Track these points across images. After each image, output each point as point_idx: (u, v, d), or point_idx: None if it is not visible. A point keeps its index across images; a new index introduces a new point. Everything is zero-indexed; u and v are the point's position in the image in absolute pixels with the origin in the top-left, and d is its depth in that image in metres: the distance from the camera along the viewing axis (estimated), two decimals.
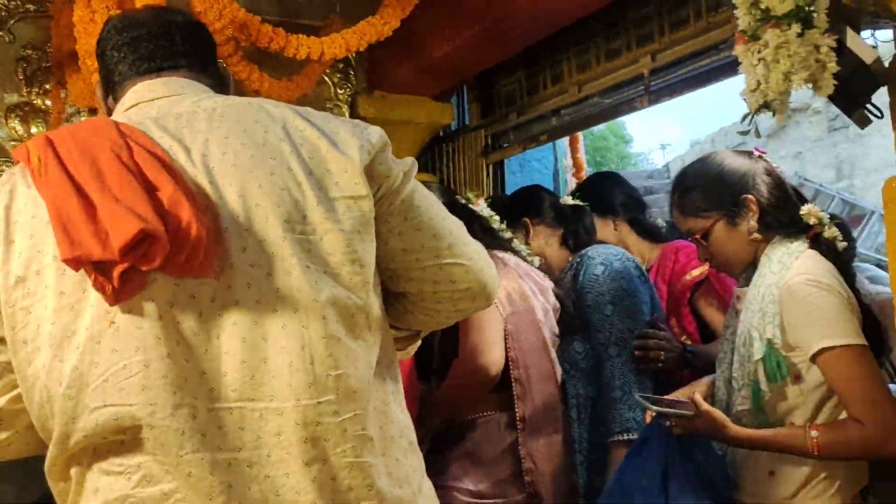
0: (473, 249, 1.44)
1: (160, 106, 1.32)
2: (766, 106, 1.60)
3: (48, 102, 3.85)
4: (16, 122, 3.83)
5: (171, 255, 1.08)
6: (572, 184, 5.55)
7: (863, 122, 1.77)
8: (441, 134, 4.92)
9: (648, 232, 3.24)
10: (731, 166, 2.14)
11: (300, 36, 2.90)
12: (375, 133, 1.34)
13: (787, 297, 1.92)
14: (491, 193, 4.59)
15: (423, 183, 1.47)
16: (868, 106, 1.76)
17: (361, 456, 1.20)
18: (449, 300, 1.42)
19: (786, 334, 1.93)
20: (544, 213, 2.95)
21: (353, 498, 1.20)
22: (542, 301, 2.57)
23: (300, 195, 1.21)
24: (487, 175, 4.61)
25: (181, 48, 1.41)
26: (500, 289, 2.14)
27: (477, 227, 2.62)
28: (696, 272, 2.85)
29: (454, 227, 1.43)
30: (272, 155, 1.23)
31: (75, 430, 1.13)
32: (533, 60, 4.24)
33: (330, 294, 1.20)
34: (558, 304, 2.62)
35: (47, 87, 3.86)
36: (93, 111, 3.17)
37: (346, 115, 4.63)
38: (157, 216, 1.07)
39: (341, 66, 4.37)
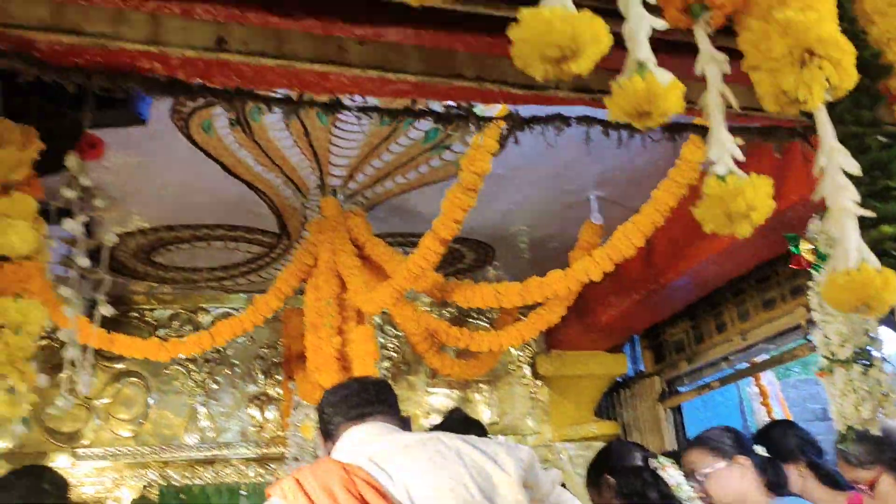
0: None
1: (372, 446, 1.78)
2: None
3: (279, 391, 4.61)
4: (254, 409, 4.61)
5: None
6: (761, 412, 5.58)
7: None
8: (620, 380, 5.23)
9: (828, 477, 3.30)
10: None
11: (480, 332, 3.43)
12: (525, 452, 1.78)
13: None
14: (674, 435, 4.77)
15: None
16: None
17: None
18: None
19: None
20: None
21: None
22: None
23: None
24: (666, 418, 4.81)
25: (377, 398, 1.92)
26: None
27: (654, 493, 2.81)
28: None
29: None
30: (452, 476, 1.66)
31: None
32: (695, 313, 4.56)
33: None
34: None
35: (279, 377, 4.65)
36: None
37: (528, 374, 5.09)
38: None
39: None
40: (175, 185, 3.36)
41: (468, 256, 4.45)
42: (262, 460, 4.54)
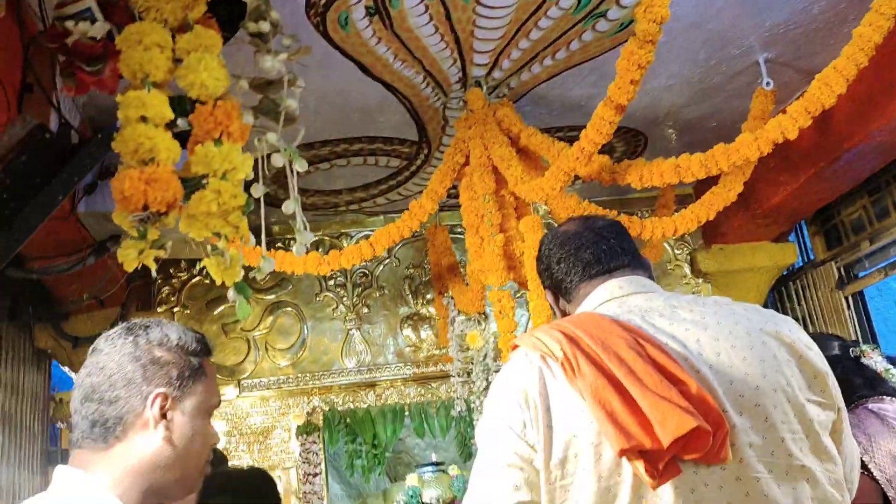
0: None
1: (635, 302, 1.50)
2: None
3: (431, 310, 4.50)
4: (408, 330, 4.51)
5: (709, 448, 1.27)
6: None
7: None
8: (786, 272, 4.85)
9: None
10: None
11: (654, 219, 3.15)
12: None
13: None
14: (856, 325, 4.38)
15: None
16: None
17: None
18: None
19: None
20: None
21: None
22: None
23: (789, 397, 1.36)
24: (848, 307, 4.42)
25: (619, 248, 1.61)
26: (877, 450, 2.07)
27: (859, 379, 2.54)
28: None
29: None
30: (761, 358, 1.38)
31: None
32: (875, 187, 4.12)
33: (821, 493, 1.34)
34: None
35: (429, 297, 4.53)
36: (481, 314, 3.66)
37: (688, 272, 4.78)
38: (697, 412, 1.27)
39: None
40: (312, 95, 3.21)
41: (618, 148, 4.16)
42: (421, 379, 4.46)
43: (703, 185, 3.47)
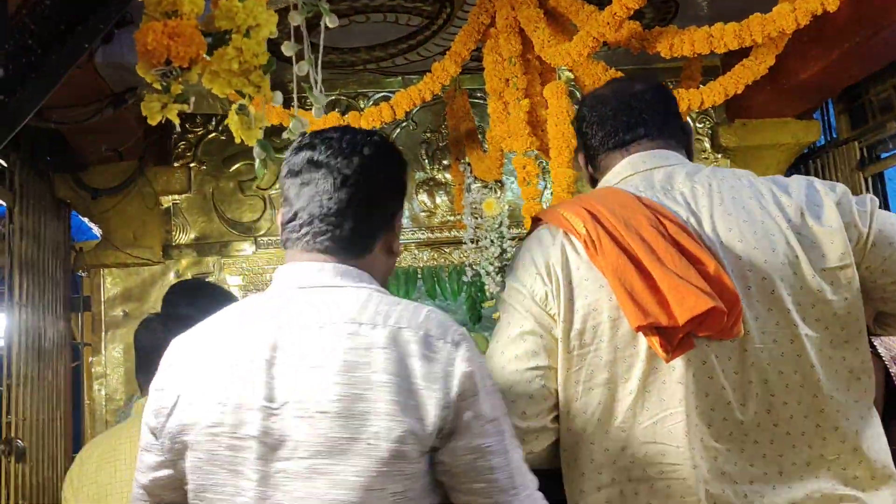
0: None
1: (658, 177, 1.51)
2: None
3: (447, 176, 4.48)
4: (423, 195, 4.52)
5: (723, 325, 1.32)
6: None
7: None
8: (807, 150, 4.78)
9: None
10: None
11: (682, 91, 3.08)
12: (840, 190, 1.47)
13: None
14: None
15: None
16: None
17: None
18: None
19: None
20: None
21: None
22: None
23: (797, 269, 1.39)
24: (867, 188, 4.38)
25: (646, 118, 1.58)
26: None
27: None
28: None
29: None
30: (771, 232, 1.40)
31: (623, 456, 1.40)
32: None
33: (830, 360, 1.39)
34: None
35: (445, 162, 4.50)
36: (497, 182, 3.65)
37: (708, 147, 4.72)
38: (713, 291, 1.31)
39: None
40: None
41: (647, 15, 4.01)
42: (434, 244, 4.50)
43: (730, 58, 3.36)
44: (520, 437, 1.33)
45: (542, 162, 3.34)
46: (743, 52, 3.12)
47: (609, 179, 1.59)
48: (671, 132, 1.61)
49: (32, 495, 3.57)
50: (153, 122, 1.32)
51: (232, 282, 4.27)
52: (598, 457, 1.41)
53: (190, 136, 4.40)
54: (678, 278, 1.31)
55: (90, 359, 4.22)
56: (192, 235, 4.34)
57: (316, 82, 1.47)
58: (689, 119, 4.66)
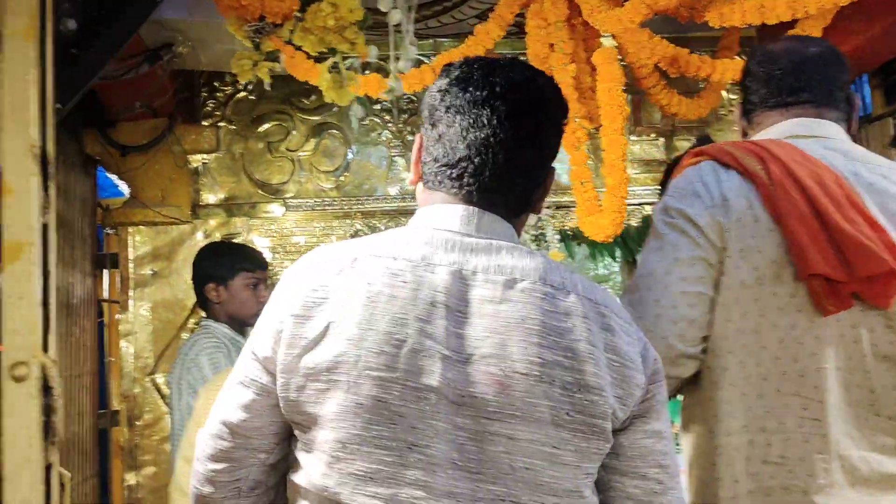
0: None
1: (813, 147, 1.50)
2: None
3: None
4: None
5: (885, 292, 1.35)
6: None
7: None
8: None
9: None
10: None
11: (724, 61, 3.05)
12: None
13: None
14: None
15: None
16: None
17: None
18: None
19: None
20: None
21: None
22: None
23: None
24: None
25: (810, 83, 1.56)
26: None
27: None
28: None
29: None
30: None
31: (758, 405, 1.42)
32: None
33: None
34: None
35: None
36: None
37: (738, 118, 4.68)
38: (891, 257, 1.33)
39: None
40: None
41: None
42: None
43: (767, 29, 3.32)
44: (672, 360, 1.36)
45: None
46: (782, 24, 3.08)
47: (768, 135, 1.58)
48: (835, 102, 1.59)
49: (61, 451, 3.59)
50: (243, 80, 1.30)
51: (260, 244, 4.26)
52: (735, 401, 1.42)
53: (219, 94, 4.35)
54: (863, 237, 1.34)
55: (116, 316, 4.22)
56: (221, 195, 4.32)
57: (408, 32, 1.44)
58: (723, 92, 4.61)
